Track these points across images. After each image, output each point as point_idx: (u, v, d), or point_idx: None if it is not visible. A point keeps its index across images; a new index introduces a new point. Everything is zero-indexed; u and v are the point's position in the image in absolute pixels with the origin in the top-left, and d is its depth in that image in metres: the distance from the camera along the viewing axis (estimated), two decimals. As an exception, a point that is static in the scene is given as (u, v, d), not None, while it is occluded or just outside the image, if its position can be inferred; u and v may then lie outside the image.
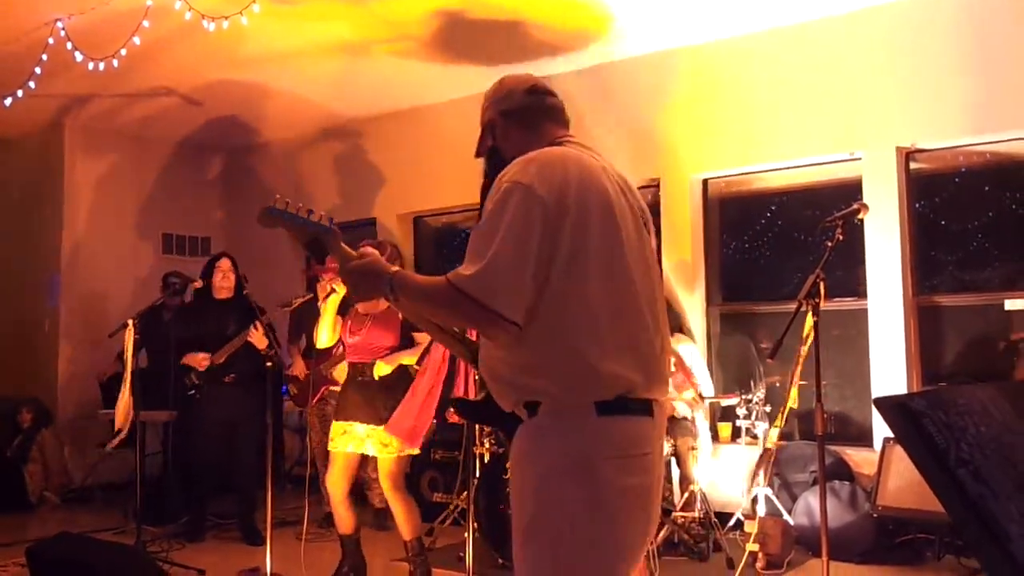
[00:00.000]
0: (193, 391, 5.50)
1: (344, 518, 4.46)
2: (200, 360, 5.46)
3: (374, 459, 4.36)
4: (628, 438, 1.87)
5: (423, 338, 4.33)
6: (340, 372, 4.51)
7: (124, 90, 6.76)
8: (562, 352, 1.85)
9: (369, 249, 2.06)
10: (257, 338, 5.27)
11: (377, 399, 4.27)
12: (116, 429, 4.77)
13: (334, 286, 4.28)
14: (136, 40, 5.16)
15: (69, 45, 5.32)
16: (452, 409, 2.11)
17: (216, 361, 5.43)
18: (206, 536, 5.68)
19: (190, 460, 5.73)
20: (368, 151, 7.74)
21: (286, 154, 8.33)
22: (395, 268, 1.98)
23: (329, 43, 5.94)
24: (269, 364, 4.37)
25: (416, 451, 4.09)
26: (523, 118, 2.15)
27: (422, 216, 7.72)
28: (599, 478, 1.81)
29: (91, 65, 5.44)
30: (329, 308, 4.33)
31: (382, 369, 4.26)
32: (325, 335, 4.38)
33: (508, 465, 1.99)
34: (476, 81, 6.76)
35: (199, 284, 5.70)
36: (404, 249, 7.64)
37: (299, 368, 5.90)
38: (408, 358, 4.32)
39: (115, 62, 5.38)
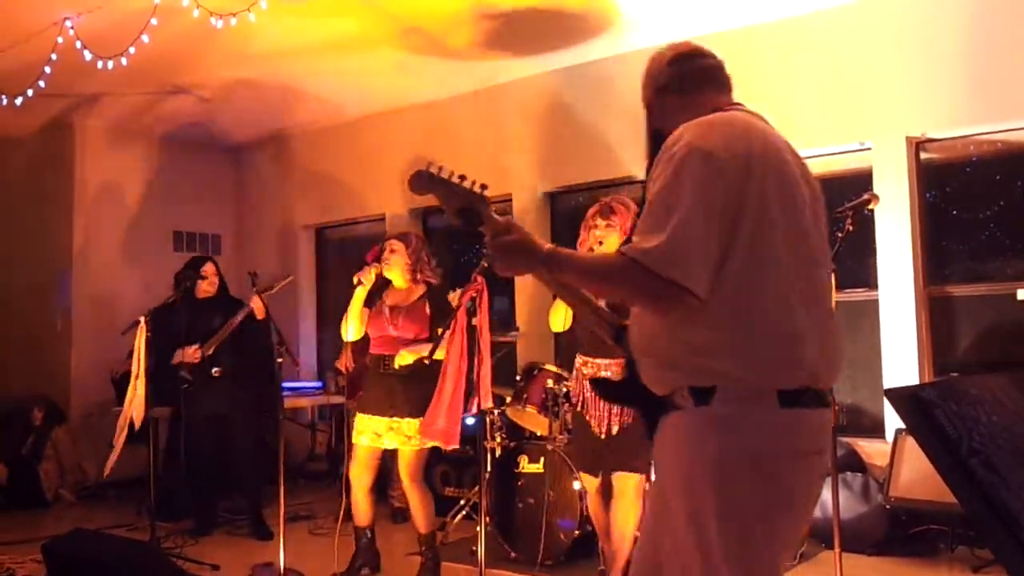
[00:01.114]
0: (187, 385, 5.52)
1: (363, 511, 4.51)
2: (191, 353, 5.47)
3: (394, 452, 4.38)
4: (808, 434, 1.76)
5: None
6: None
7: (133, 89, 6.78)
8: (748, 330, 1.71)
9: (516, 223, 1.98)
10: (256, 304, 5.23)
11: (397, 391, 4.30)
12: (131, 425, 4.78)
13: (361, 279, 4.34)
14: (145, 38, 5.17)
15: (78, 44, 5.34)
16: (591, 387, 2.04)
17: (206, 352, 5.45)
18: (214, 531, 5.70)
19: (190, 457, 5.76)
20: (379, 146, 7.74)
21: (296, 150, 8.35)
22: (549, 244, 1.91)
23: (339, 39, 5.94)
24: (280, 360, 4.38)
25: (454, 447, 4.10)
26: (677, 88, 2.03)
27: (431, 211, 7.73)
28: (778, 478, 1.69)
29: (100, 64, 5.46)
30: (356, 301, 4.39)
31: (405, 359, 4.30)
32: (353, 328, 4.45)
33: (654, 456, 1.86)
34: (488, 75, 6.79)
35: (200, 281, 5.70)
36: (414, 244, 7.65)
37: (346, 360, 5.92)
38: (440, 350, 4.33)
39: (124, 60, 5.39)
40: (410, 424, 4.27)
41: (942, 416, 1.45)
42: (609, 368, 3.86)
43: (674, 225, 1.68)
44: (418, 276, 4.48)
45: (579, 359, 4.01)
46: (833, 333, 1.80)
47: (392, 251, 4.46)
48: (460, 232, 7.89)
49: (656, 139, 1.97)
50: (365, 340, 4.56)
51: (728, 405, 1.70)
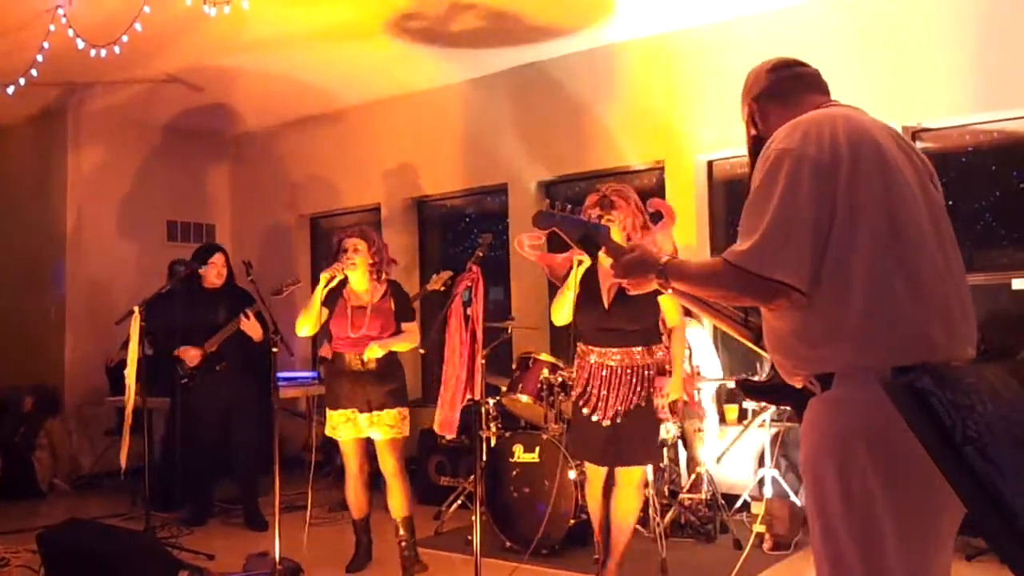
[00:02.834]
0: (185, 380, 5.51)
1: (359, 503, 4.55)
2: (192, 356, 5.47)
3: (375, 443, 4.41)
4: None
5: (411, 327, 4.44)
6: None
7: (127, 77, 6.74)
8: (854, 314, 1.75)
9: (641, 241, 2.08)
10: (250, 328, 5.27)
11: (371, 387, 4.35)
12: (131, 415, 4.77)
13: (334, 274, 4.30)
14: (138, 27, 5.14)
15: (71, 32, 5.30)
16: (738, 388, 2.09)
17: (208, 349, 5.45)
18: (208, 522, 5.71)
19: (187, 448, 5.76)
20: (372, 136, 7.72)
21: (291, 140, 8.32)
22: (666, 258, 2.00)
23: (333, 27, 5.91)
24: (275, 349, 4.38)
25: (451, 435, 4.11)
26: (776, 96, 2.10)
27: (427, 200, 7.71)
28: (898, 450, 1.67)
29: (93, 52, 5.43)
30: (317, 299, 4.34)
31: (375, 352, 4.31)
32: (308, 326, 4.41)
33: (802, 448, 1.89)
34: (481, 64, 6.76)
35: (203, 271, 5.70)
36: (408, 233, 7.64)
37: (329, 349, 5.91)
38: (399, 345, 4.41)
39: (117, 49, 5.36)
40: (391, 414, 4.32)
41: (938, 404, 1.45)
42: (612, 357, 3.86)
43: (766, 225, 1.76)
44: (378, 274, 4.46)
45: (580, 347, 4.00)
46: (951, 298, 1.80)
47: (356, 250, 4.39)
48: (453, 221, 7.89)
49: (757, 147, 2.05)
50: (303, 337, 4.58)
51: (846, 388, 1.75)
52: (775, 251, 1.75)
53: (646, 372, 3.85)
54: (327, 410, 4.49)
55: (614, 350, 3.86)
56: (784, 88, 2.09)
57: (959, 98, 5.04)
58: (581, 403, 3.92)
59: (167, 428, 6.36)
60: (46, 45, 5.53)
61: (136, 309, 4.77)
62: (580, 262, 3.77)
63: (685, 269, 1.97)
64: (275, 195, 8.46)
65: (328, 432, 4.48)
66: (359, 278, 4.44)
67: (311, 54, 6.41)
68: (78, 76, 6.66)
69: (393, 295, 4.48)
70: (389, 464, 4.39)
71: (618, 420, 3.82)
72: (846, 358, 1.75)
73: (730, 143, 5.95)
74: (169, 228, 8.29)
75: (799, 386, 1.89)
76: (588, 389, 3.90)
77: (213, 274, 5.58)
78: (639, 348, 3.86)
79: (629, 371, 3.84)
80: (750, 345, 2.12)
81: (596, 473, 3.97)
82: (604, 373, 3.86)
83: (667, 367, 3.93)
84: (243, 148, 8.77)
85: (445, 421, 3.91)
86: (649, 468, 4.03)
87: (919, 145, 5.35)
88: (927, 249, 1.81)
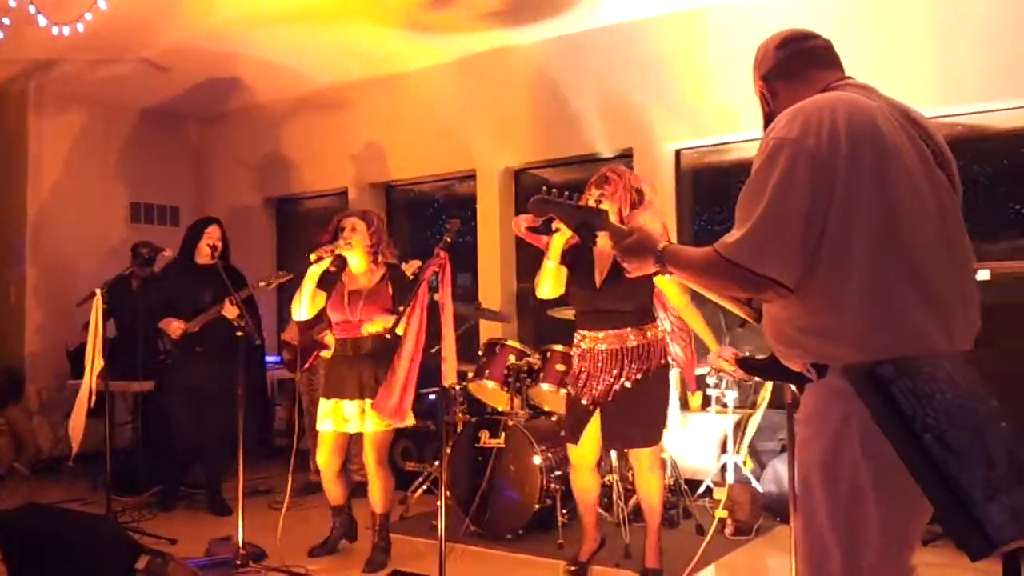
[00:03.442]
0: (164, 358, 5.44)
1: (335, 493, 4.52)
2: (175, 328, 5.38)
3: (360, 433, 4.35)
4: None
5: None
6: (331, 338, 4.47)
7: (90, 55, 6.62)
8: (851, 311, 1.73)
9: (641, 224, 2.07)
10: (231, 314, 5.19)
11: (367, 372, 4.25)
12: (92, 398, 4.70)
13: (322, 256, 4.22)
14: (102, 4, 5.04)
15: (32, 9, 5.18)
16: (736, 365, 2.11)
17: (190, 330, 5.37)
18: (178, 506, 5.67)
19: (162, 429, 5.69)
20: (340, 120, 7.66)
21: (258, 122, 8.22)
22: (664, 243, 1.98)
23: (301, 9, 5.84)
24: (240, 334, 4.33)
25: (411, 422, 4.09)
26: (783, 73, 2.05)
27: (395, 185, 7.68)
28: (886, 448, 1.63)
29: (55, 30, 5.32)
30: (309, 280, 4.27)
31: (377, 325, 4.20)
32: (305, 308, 4.32)
33: (798, 419, 1.93)
34: (451, 49, 6.73)
35: (169, 253, 5.63)
36: (376, 219, 7.60)
37: (292, 333, 5.87)
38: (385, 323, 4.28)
39: (80, 27, 5.26)
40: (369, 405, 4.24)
41: (898, 392, 1.48)
42: (605, 340, 3.88)
43: (757, 218, 1.74)
44: (379, 258, 4.37)
45: (578, 334, 4.03)
46: (951, 292, 1.78)
47: (354, 230, 4.29)
48: (421, 207, 7.86)
49: (769, 125, 2.00)
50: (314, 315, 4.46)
51: (839, 378, 1.74)
52: (764, 245, 1.74)
53: (640, 352, 3.87)
54: (320, 400, 4.39)
55: (607, 333, 3.89)
56: (792, 66, 2.04)
57: (923, 91, 5.10)
58: (576, 388, 3.96)
59: (136, 411, 6.28)
60: (6, 21, 5.41)
61: (97, 291, 4.71)
62: (558, 229, 3.77)
63: (680, 256, 1.95)
64: (240, 178, 8.37)
65: (317, 424, 4.38)
66: (358, 260, 4.35)
67: (279, 36, 6.33)
68: (40, 54, 6.53)
69: (391, 279, 4.35)
70: (369, 457, 4.29)
71: (619, 402, 3.85)
72: (843, 353, 1.74)
73: (698, 132, 5.99)
74: (133, 209, 8.17)
75: (796, 370, 1.89)
76: (584, 373, 3.94)
77: (207, 247, 5.47)
78: (631, 329, 3.88)
79: (621, 352, 3.86)
80: (753, 323, 2.14)
81: (586, 456, 4.00)
82: (597, 359, 3.90)
83: (665, 344, 3.99)
84: (209, 130, 8.66)
85: (396, 409, 3.88)
86: (660, 445, 4.07)
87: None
88: (927, 242, 1.78)
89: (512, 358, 4.99)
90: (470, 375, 5.21)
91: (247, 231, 8.22)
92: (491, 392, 5.19)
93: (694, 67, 5.89)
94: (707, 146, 6.13)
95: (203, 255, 5.50)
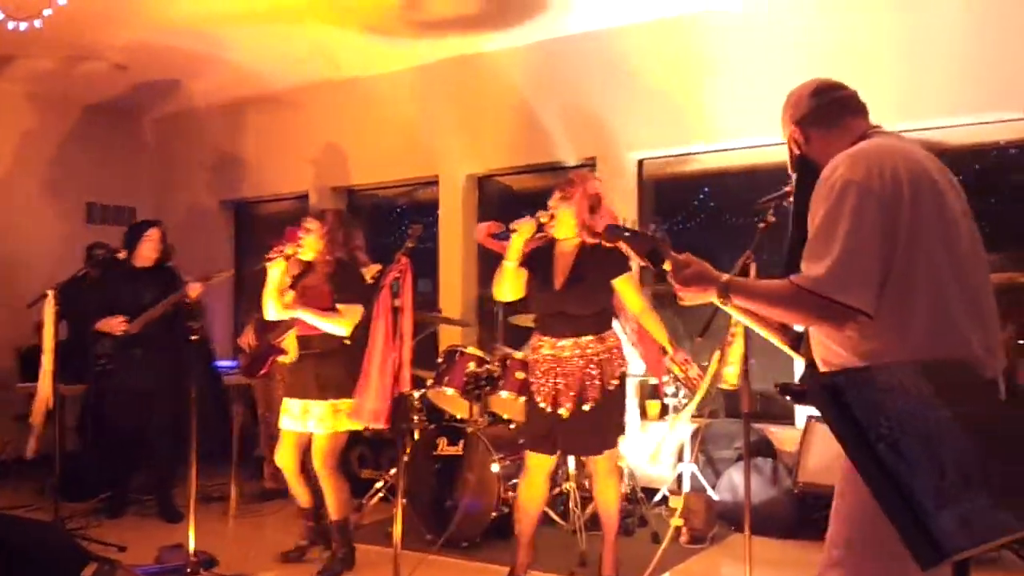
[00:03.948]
0: (104, 362, 5.33)
1: (301, 493, 4.47)
2: (115, 325, 5.26)
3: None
4: None
5: (346, 309, 4.25)
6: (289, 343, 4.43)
7: (47, 53, 6.50)
8: (913, 337, 1.90)
9: (693, 257, 2.18)
10: (193, 289, 5.09)
11: (310, 373, 4.26)
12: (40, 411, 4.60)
13: (270, 259, 4.21)
14: (60, 1, 4.95)
15: (-11, 4, 5.09)
16: (778, 391, 2.21)
17: (132, 330, 5.25)
18: (127, 512, 5.56)
19: (106, 434, 5.58)
20: (301, 122, 7.60)
21: (217, 123, 8.12)
22: (726, 276, 2.13)
23: (264, 10, 5.79)
24: (194, 338, 4.27)
25: (384, 426, 4.05)
26: (819, 119, 2.22)
27: (356, 190, 7.63)
28: None
29: (12, 25, 5.21)
30: (270, 281, 4.27)
31: (288, 305, 4.27)
32: (271, 307, 4.32)
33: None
34: (414, 54, 6.71)
35: (124, 255, 5.53)
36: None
37: (248, 338, 5.81)
38: (324, 320, 4.23)
39: (38, 23, 5.16)
40: (321, 406, 4.21)
41: (852, 402, 1.49)
42: (566, 348, 3.87)
43: (838, 252, 1.90)
44: (329, 257, 4.35)
45: (535, 339, 4.02)
46: (991, 324, 1.99)
47: (307, 231, 4.32)
48: (383, 212, 7.82)
49: (802, 166, 2.23)
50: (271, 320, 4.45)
51: None
52: (847, 278, 1.89)
53: (599, 359, 3.86)
54: (283, 398, 4.43)
55: (566, 341, 3.87)
56: (827, 114, 2.22)
57: (883, 106, 5.14)
58: (538, 395, 3.94)
59: (82, 415, 6.16)
60: (-40, 17, 5.29)
61: (50, 292, 4.62)
62: (514, 230, 3.79)
63: (750, 288, 2.11)
64: (199, 179, 8.26)
65: (280, 422, 4.40)
66: (312, 259, 4.37)
67: (241, 36, 6.27)
68: (-5, 49, 6.40)
69: (333, 274, 4.32)
70: (316, 461, 4.27)
71: (574, 410, 3.83)
72: None
73: (661, 142, 6.03)
74: (89, 210, 8.03)
75: None
76: (543, 380, 3.92)
77: (148, 249, 5.39)
78: (590, 337, 3.87)
79: (581, 361, 3.85)
80: (788, 351, 2.29)
81: (544, 463, 3.98)
82: (556, 364, 3.88)
83: (622, 350, 3.98)
84: (167, 130, 8.54)
85: (376, 413, 3.86)
86: (619, 449, 4.06)
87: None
88: (974, 274, 1.99)
89: (472, 365, 4.97)
90: (429, 382, 5.18)
91: (205, 233, 8.12)
92: (450, 399, 5.16)
93: (658, 77, 5.93)
94: (669, 156, 6.17)
95: (142, 258, 5.41)
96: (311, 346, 4.30)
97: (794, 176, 2.29)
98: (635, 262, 2.34)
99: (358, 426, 4.23)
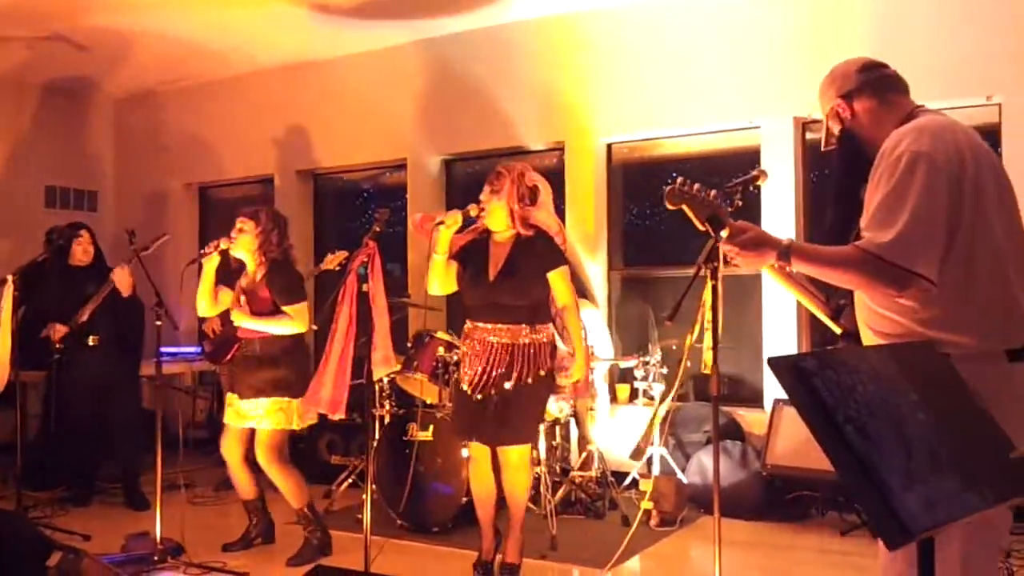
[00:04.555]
0: (58, 356, 5.26)
1: (243, 484, 4.45)
2: (57, 331, 5.23)
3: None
4: None
5: (294, 311, 4.25)
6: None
7: (4, 33, 6.34)
8: (972, 304, 1.99)
9: (748, 224, 2.21)
10: (120, 277, 5.04)
11: (253, 372, 4.26)
12: None
13: (206, 254, 4.19)
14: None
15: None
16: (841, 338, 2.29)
17: (80, 319, 5.19)
18: (92, 501, 5.50)
19: (64, 425, 5.51)
20: (266, 105, 7.50)
21: (181, 105, 8.00)
22: (787, 239, 2.15)
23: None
24: (159, 322, 4.21)
25: (340, 416, 4.01)
26: (867, 94, 2.26)
27: (322, 173, 7.55)
28: (1012, 419, 1.84)
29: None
30: (204, 277, 4.27)
31: (238, 318, 4.28)
32: (204, 304, 4.33)
33: None
34: (382, 37, 6.64)
35: (47, 258, 5.42)
36: (303, 207, 7.47)
37: (213, 324, 5.74)
38: (272, 324, 4.24)
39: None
40: (263, 404, 4.21)
41: (820, 384, 1.49)
42: (496, 334, 3.84)
43: (905, 220, 1.95)
44: (263, 257, 4.31)
45: (468, 324, 3.99)
46: None
47: (240, 230, 4.28)
48: (350, 196, 7.76)
49: (846, 140, 2.28)
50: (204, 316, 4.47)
51: (959, 364, 1.88)
52: (914, 245, 1.95)
53: (530, 351, 3.83)
54: (227, 393, 4.45)
55: (500, 327, 3.84)
56: (875, 89, 2.26)
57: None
58: (463, 380, 3.91)
59: (43, 404, 6.07)
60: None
61: (9, 278, 4.54)
62: (442, 222, 3.77)
63: (813, 253, 2.14)
64: (162, 162, 8.13)
65: (225, 417, 4.40)
66: (246, 259, 4.35)
67: (205, 17, 6.16)
68: (-52, 28, 6.24)
69: (269, 277, 4.29)
70: (260, 456, 4.28)
71: (500, 399, 3.81)
72: (962, 343, 1.98)
73: (630, 127, 6.03)
74: (48, 193, 7.88)
75: None
76: (471, 366, 3.89)
77: (80, 251, 5.37)
78: (524, 326, 3.83)
79: (513, 348, 3.82)
80: (827, 321, 2.34)
81: (482, 452, 3.96)
82: (488, 351, 3.84)
83: (554, 346, 3.94)
84: (129, 112, 8.39)
85: (333, 401, 3.83)
86: (537, 444, 4.02)
87: (809, 136, 5.54)
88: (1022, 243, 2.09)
89: (441, 350, 4.95)
90: (399, 367, 5.16)
91: (168, 217, 8.01)
92: (420, 384, 5.14)
93: (626, 62, 5.92)
94: (637, 141, 6.18)
95: (77, 259, 5.37)
96: (255, 346, 4.29)
97: (833, 149, 2.33)
98: (696, 222, 2.31)
99: (301, 424, 4.27)
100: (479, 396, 3.85)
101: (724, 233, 2.24)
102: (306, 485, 4.41)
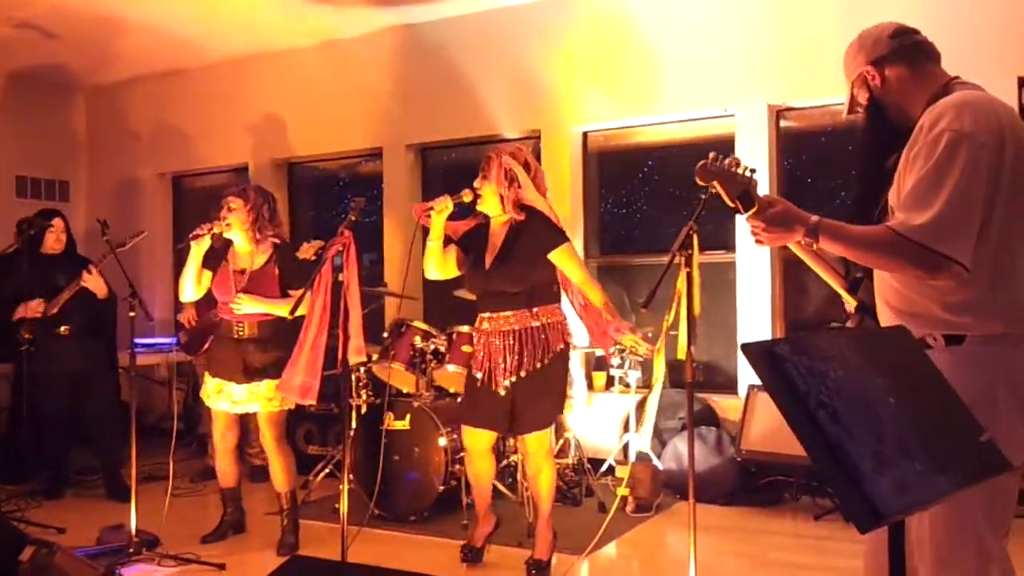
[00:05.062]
0: (26, 346, 5.20)
1: (228, 472, 4.45)
2: (34, 307, 5.15)
3: (255, 414, 4.29)
4: None
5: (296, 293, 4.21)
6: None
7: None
8: (1002, 289, 1.95)
9: (776, 198, 2.17)
10: (93, 282, 5.00)
11: (253, 356, 4.21)
12: None
13: (198, 235, 4.12)
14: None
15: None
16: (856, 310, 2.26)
17: (50, 312, 5.14)
18: (66, 493, 5.45)
19: (35, 417, 5.46)
20: (240, 94, 7.43)
21: (154, 94, 7.90)
22: (816, 217, 2.08)
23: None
24: (132, 313, 4.17)
25: (312, 402, 4.00)
26: (899, 60, 2.17)
27: (297, 163, 7.50)
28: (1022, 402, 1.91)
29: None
30: (191, 260, 4.19)
31: (243, 304, 4.18)
32: (190, 289, 4.26)
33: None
34: (357, 23, 6.58)
35: (17, 247, 5.36)
36: (278, 195, 7.38)
37: (189, 315, 5.70)
38: (276, 307, 4.20)
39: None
40: (269, 386, 4.18)
41: (793, 370, 1.50)
42: (503, 321, 3.83)
43: (942, 203, 1.89)
44: (259, 235, 4.26)
45: (479, 316, 3.96)
46: None
47: (230, 209, 4.21)
48: (325, 185, 7.71)
49: (873, 108, 2.19)
50: (210, 295, 4.38)
51: (979, 346, 1.94)
52: (949, 229, 1.89)
53: (540, 334, 3.81)
54: (205, 374, 4.36)
55: (505, 314, 3.82)
56: (909, 55, 2.17)
57: (821, 79, 5.25)
58: (475, 369, 3.90)
59: (12, 396, 6.01)
60: None
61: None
62: (432, 208, 3.76)
63: (843, 232, 2.05)
64: (135, 151, 8.04)
65: (203, 395, 4.35)
66: (239, 239, 4.27)
67: (180, 3, 6.09)
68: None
69: (278, 260, 4.27)
70: (267, 437, 4.28)
71: (514, 387, 3.79)
72: (984, 325, 1.96)
73: (605, 115, 6.03)
74: (18, 183, 7.78)
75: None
76: (482, 355, 3.88)
77: (52, 239, 5.30)
78: (526, 310, 3.81)
79: (522, 334, 3.79)
80: (843, 294, 2.31)
81: (480, 439, 3.95)
82: (496, 339, 3.83)
83: (564, 324, 3.92)
84: (102, 101, 8.29)
85: (304, 388, 3.82)
86: (551, 431, 3.99)
87: (783, 124, 5.57)
88: None
89: (418, 339, 4.95)
90: (375, 357, 5.15)
91: (141, 207, 7.94)
92: (397, 374, 5.14)
93: (601, 50, 5.92)
94: (613, 129, 6.18)
95: (49, 246, 5.31)
96: (251, 330, 4.24)
97: (858, 116, 2.26)
98: (726, 198, 2.26)
99: (293, 403, 4.24)
100: (489, 385, 3.81)
101: (752, 210, 2.19)
102: (295, 470, 4.41)
